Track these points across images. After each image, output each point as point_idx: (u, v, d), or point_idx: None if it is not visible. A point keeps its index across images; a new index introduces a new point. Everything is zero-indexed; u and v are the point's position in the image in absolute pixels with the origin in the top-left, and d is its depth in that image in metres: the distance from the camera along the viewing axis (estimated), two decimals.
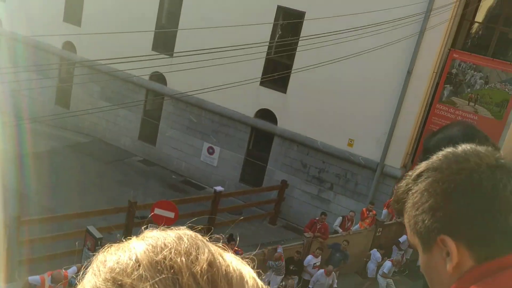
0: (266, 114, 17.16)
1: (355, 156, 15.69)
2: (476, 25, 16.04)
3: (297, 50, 15.60)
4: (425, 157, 1.07)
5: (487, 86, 14.80)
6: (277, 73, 15.82)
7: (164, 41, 18.26)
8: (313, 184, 16.69)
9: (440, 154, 1.02)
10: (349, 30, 12.44)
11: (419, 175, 1.00)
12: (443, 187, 0.94)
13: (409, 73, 14.43)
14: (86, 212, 11.41)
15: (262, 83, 16.68)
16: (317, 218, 13.38)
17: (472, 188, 0.92)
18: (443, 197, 0.94)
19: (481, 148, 1.01)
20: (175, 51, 17.06)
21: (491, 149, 1.01)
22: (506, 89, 14.57)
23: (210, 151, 18.25)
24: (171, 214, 8.99)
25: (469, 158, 0.97)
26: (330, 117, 15.80)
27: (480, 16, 16.01)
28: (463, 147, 1.02)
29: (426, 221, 0.95)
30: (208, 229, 12.16)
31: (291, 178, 16.74)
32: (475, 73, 14.87)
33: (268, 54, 16.11)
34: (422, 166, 1.02)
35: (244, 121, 17.40)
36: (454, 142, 1.42)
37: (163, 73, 17.98)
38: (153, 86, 18.67)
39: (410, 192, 1.00)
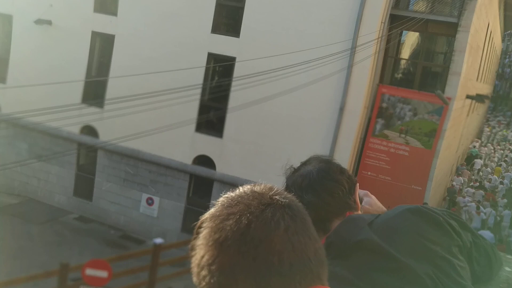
0: (204, 160, 16.89)
1: None
2: (400, 61, 16.77)
3: (231, 90, 15.60)
4: None
5: (416, 117, 15.33)
6: (211, 115, 15.72)
7: (95, 91, 17.82)
8: None
9: (219, 199, 0.92)
10: (278, 69, 12.56)
11: (199, 227, 0.89)
12: (215, 237, 0.83)
13: (341, 109, 14.72)
14: (12, 280, 10.52)
15: (198, 129, 16.50)
16: None
17: (240, 234, 0.81)
18: (215, 248, 0.83)
19: (258, 187, 0.90)
20: (106, 100, 16.64)
21: (269, 185, 0.92)
22: (433, 120, 15.13)
23: (149, 202, 17.66)
24: (103, 274, 8.41)
25: (240, 200, 0.87)
26: (267, 158, 15.74)
27: (403, 52, 16.79)
28: (240, 189, 0.92)
29: (207, 279, 0.83)
30: (150, 285, 11.55)
31: None
32: (404, 105, 15.40)
33: (202, 97, 16.05)
34: (205, 215, 0.90)
35: (182, 169, 17.03)
36: (308, 178, 1.50)
37: (94, 125, 17.44)
38: (84, 140, 18.03)
39: (194, 248, 0.88)
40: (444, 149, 16.28)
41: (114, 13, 17.18)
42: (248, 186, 0.91)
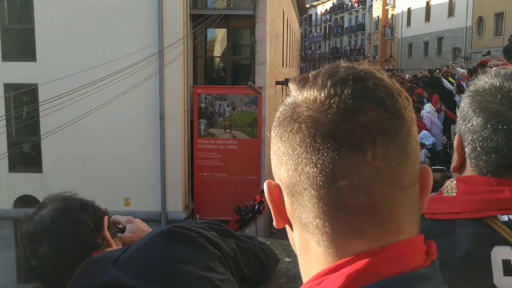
0: (28, 200, 15.30)
1: (136, 213, 14.99)
2: (210, 59, 17.11)
3: (40, 117, 14.27)
4: None
5: (236, 111, 15.81)
6: (24, 149, 14.27)
7: None
8: None
9: None
10: (87, 85, 11.80)
11: None
12: None
13: (162, 117, 14.50)
14: None
15: (12, 169, 14.89)
16: None
17: None
18: None
19: None
20: None
21: None
22: (252, 110, 15.76)
23: None
24: None
25: None
26: (98, 183, 14.86)
27: (211, 50, 17.15)
28: None
29: None
30: None
31: None
32: (221, 102, 15.75)
33: (8, 131, 14.46)
34: None
35: (3, 216, 15.23)
36: (42, 226, 1.32)
37: None
38: None
39: None
40: (269, 135, 17.06)
41: None
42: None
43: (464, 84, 10.49)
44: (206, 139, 15.90)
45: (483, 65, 9.38)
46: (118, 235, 1.45)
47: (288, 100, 0.64)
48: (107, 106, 12.95)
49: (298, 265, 0.64)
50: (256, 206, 15.58)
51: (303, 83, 0.63)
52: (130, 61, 12.77)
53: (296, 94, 0.63)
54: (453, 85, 12.30)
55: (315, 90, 0.60)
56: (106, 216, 1.40)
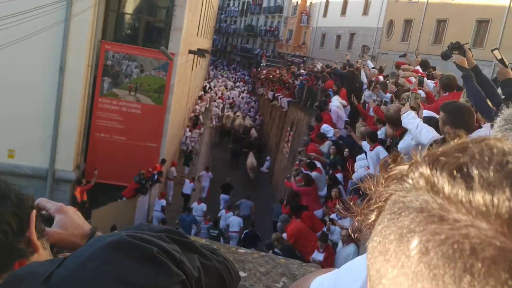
0: None
1: (20, 167, 13.93)
2: (123, 15, 16.13)
3: None
4: None
5: (143, 74, 15.12)
6: None
7: None
8: None
9: None
10: None
11: None
12: None
13: (62, 69, 13.46)
14: None
15: None
16: None
17: None
18: None
19: None
20: None
21: None
22: (161, 75, 15.18)
23: None
24: None
25: None
26: None
27: (125, 7, 16.16)
28: None
29: None
30: None
31: None
32: (129, 62, 14.97)
33: None
34: None
35: None
36: None
37: None
38: None
39: None
40: (175, 104, 16.62)
41: None
42: None
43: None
44: (108, 99, 15.06)
45: (397, 67, 9.82)
46: (45, 232, 1.09)
47: (439, 211, 0.39)
48: (1, 48, 11.73)
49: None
50: (156, 176, 15.15)
51: (464, 177, 0.39)
52: (35, 3, 11.64)
53: (458, 199, 0.38)
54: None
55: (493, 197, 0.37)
56: (34, 211, 1.03)
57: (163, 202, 15.49)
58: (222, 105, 36.58)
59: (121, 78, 15.00)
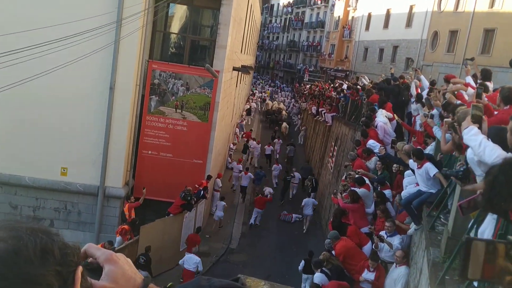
0: None
1: (71, 184, 14.39)
2: (169, 35, 16.54)
3: None
4: None
5: (189, 92, 15.39)
6: None
7: None
8: None
9: None
10: (35, 46, 11.01)
11: None
12: None
13: (112, 88, 13.89)
14: None
15: None
16: None
17: None
18: None
19: None
20: None
21: None
22: (206, 93, 15.40)
23: None
24: None
25: None
26: (34, 149, 14.11)
27: (171, 27, 16.56)
28: None
29: None
30: None
31: None
32: (176, 81, 15.28)
33: None
34: None
35: None
36: None
37: None
38: None
39: None
40: (220, 120, 16.80)
41: None
42: None
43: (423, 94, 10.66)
44: (156, 117, 15.40)
45: (446, 80, 9.52)
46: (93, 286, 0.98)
47: None
48: (54, 70, 12.20)
49: None
50: (202, 192, 15.30)
51: None
52: (86, 27, 12.08)
53: None
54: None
55: None
56: (80, 268, 0.92)
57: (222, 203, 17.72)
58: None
59: (167, 96, 15.32)
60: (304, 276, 11.30)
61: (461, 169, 4.61)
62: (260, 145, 27.99)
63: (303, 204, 18.83)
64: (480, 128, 3.92)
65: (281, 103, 45.72)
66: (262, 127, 39.27)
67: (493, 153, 3.61)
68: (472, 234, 4.37)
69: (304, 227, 18.83)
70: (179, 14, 16.68)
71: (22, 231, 0.86)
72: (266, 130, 37.68)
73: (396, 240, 8.22)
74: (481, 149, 3.72)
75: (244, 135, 30.14)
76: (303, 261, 11.54)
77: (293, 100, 50.30)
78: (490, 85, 8.21)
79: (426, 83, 12.48)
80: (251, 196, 21.56)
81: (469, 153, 4.26)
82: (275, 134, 32.57)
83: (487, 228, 3.93)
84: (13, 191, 14.50)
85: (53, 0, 13.48)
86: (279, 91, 59.57)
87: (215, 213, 17.67)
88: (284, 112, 40.82)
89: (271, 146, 28.45)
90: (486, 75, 8.44)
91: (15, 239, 0.84)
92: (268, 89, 59.09)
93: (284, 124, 35.97)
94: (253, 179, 21.64)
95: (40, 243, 0.85)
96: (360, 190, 10.06)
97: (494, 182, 2.53)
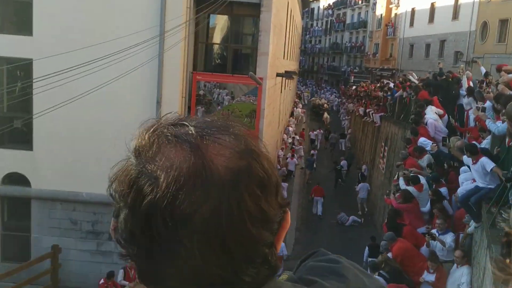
0: (15, 178, 14.95)
1: None
2: (211, 46, 16.74)
3: (33, 94, 13.86)
4: None
5: (234, 101, 15.48)
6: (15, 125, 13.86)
7: None
8: (90, 240, 15.16)
9: None
10: (83, 65, 11.39)
11: None
12: None
13: (159, 102, 14.16)
14: None
15: (1, 144, 14.50)
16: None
17: None
18: None
19: None
20: None
21: None
22: (251, 100, 15.44)
23: None
24: None
25: None
26: (90, 165, 14.53)
27: (213, 37, 16.76)
28: None
29: None
30: None
31: (63, 241, 14.89)
32: (220, 90, 15.42)
33: None
34: None
35: None
36: None
37: None
38: None
39: None
40: (266, 127, 16.81)
41: None
42: None
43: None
44: None
45: (498, 70, 9.12)
46: None
47: None
48: (103, 86, 12.57)
49: None
50: None
51: None
52: (130, 42, 12.38)
53: None
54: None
55: None
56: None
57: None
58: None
59: (213, 106, 15.46)
60: (369, 260, 11.12)
61: None
62: (302, 146, 29.76)
63: (358, 189, 20.87)
64: None
65: (322, 99, 52.44)
66: (310, 119, 45.49)
67: None
68: None
69: (359, 212, 20.74)
70: (220, 24, 16.86)
71: None
72: (312, 122, 44.04)
73: (448, 238, 7.92)
74: None
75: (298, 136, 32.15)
76: (366, 248, 11.40)
77: (338, 99, 53.95)
78: None
79: (483, 70, 12.06)
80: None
81: None
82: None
83: None
84: (71, 207, 14.99)
85: (98, 18, 13.89)
86: (320, 91, 62.01)
87: None
88: (326, 105, 47.26)
89: (315, 132, 34.87)
90: None
91: None
92: (308, 89, 62.87)
93: (325, 114, 41.25)
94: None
95: None
96: (411, 189, 9.77)
97: None
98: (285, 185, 18.58)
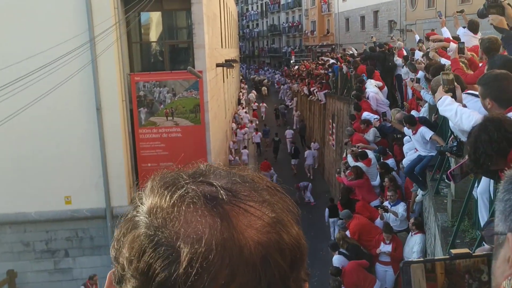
0: None
1: (78, 211, 14.32)
2: (146, 44, 16.37)
3: None
4: None
5: (177, 97, 15.23)
6: None
7: None
8: (45, 259, 14.67)
9: None
10: (14, 81, 10.87)
11: None
12: None
13: (99, 109, 13.76)
14: None
15: None
16: None
17: None
18: None
19: None
20: None
21: None
22: (193, 95, 15.25)
23: None
24: None
25: None
26: (36, 183, 14.02)
27: (146, 36, 16.38)
28: None
29: None
30: None
31: (17, 264, 14.38)
32: (161, 89, 15.12)
33: None
34: None
35: None
36: None
37: None
38: None
39: None
40: (213, 119, 16.67)
41: None
42: None
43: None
44: (148, 128, 15.27)
45: (427, 38, 9.33)
46: None
47: None
48: (39, 100, 12.08)
49: None
50: None
51: None
52: (61, 52, 11.92)
53: None
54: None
55: None
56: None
57: None
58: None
59: (156, 106, 15.17)
60: (331, 220, 11.66)
61: (454, 144, 4.50)
62: (254, 124, 32.85)
63: (305, 155, 23.46)
64: (454, 96, 3.77)
65: (261, 75, 58.42)
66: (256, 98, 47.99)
67: (471, 120, 3.48)
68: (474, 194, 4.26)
69: (309, 175, 23.13)
70: (152, 21, 16.50)
71: None
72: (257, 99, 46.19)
73: (400, 208, 8.14)
74: (458, 118, 3.59)
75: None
76: (326, 209, 11.94)
77: (276, 75, 57.71)
78: (477, 36, 8.02)
79: (446, 33, 12.26)
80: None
81: (450, 123, 4.14)
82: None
83: (485, 185, 3.81)
84: (22, 229, 14.45)
85: (25, 32, 13.28)
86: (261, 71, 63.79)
87: None
88: (265, 81, 52.34)
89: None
90: (473, 27, 8.22)
91: None
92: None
93: (263, 88, 48.45)
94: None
95: None
96: (360, 164, 9.96)
97: (477, 142, 2.47)
98: (245, 151, 22.96)
